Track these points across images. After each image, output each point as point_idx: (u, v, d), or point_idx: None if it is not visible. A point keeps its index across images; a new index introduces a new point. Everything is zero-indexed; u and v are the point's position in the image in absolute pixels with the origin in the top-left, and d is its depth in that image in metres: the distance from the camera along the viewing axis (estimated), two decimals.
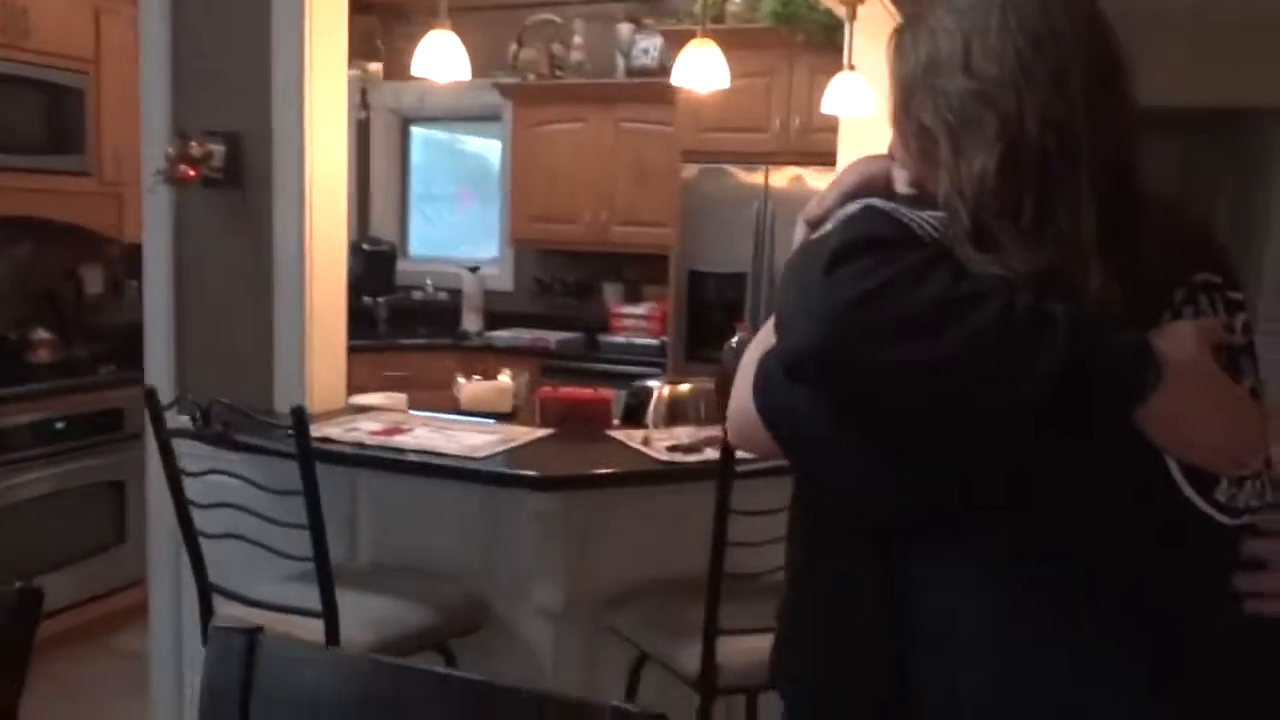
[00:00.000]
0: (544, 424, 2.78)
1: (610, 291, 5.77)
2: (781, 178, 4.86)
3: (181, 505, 2.23)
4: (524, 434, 2.59)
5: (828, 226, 1.13)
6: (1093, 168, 1.07)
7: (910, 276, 1.00)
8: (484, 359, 5.34)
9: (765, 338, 1.22)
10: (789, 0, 4.67)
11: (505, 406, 3.14)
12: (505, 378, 3.23)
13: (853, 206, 1.15)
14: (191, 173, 2.62)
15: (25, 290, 4.38)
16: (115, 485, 4.11)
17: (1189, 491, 1.09)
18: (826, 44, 4.63)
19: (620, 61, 5.56)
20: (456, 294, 5.87)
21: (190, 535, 2.24)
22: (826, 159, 4.73)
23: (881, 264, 1.02)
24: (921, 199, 1.16)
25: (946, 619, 1.15)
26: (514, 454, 2.40)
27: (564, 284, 5.83)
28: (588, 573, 2.44)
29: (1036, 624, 1.10)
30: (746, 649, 2.15)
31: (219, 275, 2.80)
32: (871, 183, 1.23)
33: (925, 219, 1.09)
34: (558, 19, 5.66)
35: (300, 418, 2.01)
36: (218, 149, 2.68)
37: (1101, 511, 1.08)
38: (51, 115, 4.01)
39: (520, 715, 1.08)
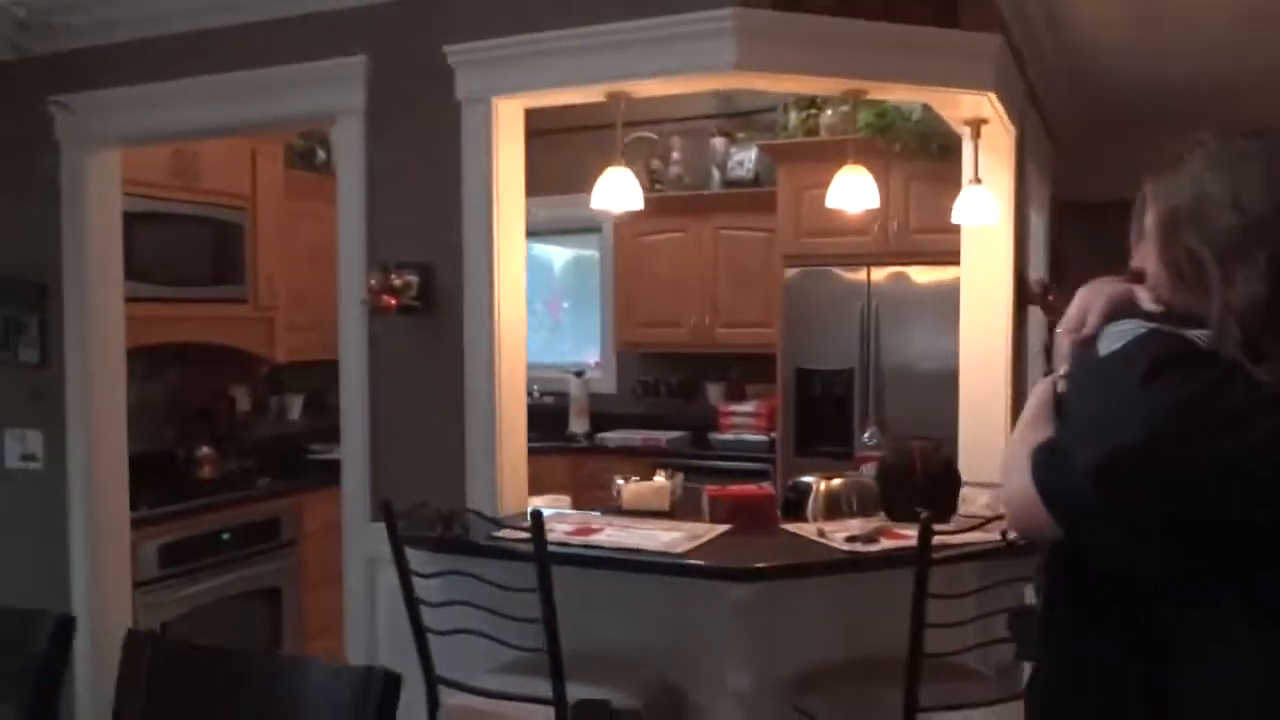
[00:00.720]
0: (714, 520, 2.98)
1: (713, 391, 6.00)
2: (882, 274, 5.10)
3: (413, 604, 2.45)
4: (705, 530, 2.79)
5: (1109, 343, 1.31)
6: None
7: (1220, 383, 1.20)
8: (596, 460, 5.57)
9: (1025, 436, 1.41)
10: (884, 112, 4.97)
11: (664, 505, 3.34)
12: (661, 478, 3.44)
13: (1128, 324, 1.32)
14: (393, 301, 2.89)
15: (179, 408, 4.69)
16: (272, 592, 4.34)
17: None
18: (920, 151, 4.92)
19: (715, 174, 5.87)
20: (562, 397, 6.11)
21: (420, 631, 2.46)
22: (924, 259, 5.00)
23: (1190, 374, 1.21)
24: (1170, 316, 1.35)
25: (1230, 675, 1.28)
26: (705, 548, 2.60)
27: (668, 385, 6.07)
28: (776, 658, 2.62)
29: None
30: None
31: (411, 392, 3.06)
32: (1120, 302, 1.43)
33: (1199, 335, 1.29)
34: (654, 136, 6.01)
35: (538, 520, 2.23)
36: (413, 279, 2.96)
37: None
38: (216, 249, 4.35)
39: None
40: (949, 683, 2.42)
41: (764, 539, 2.78)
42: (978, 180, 3.20)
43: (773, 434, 5.48)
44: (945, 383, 4.90)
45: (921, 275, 5.06)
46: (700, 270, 5.78)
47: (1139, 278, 1.44)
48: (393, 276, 2.93)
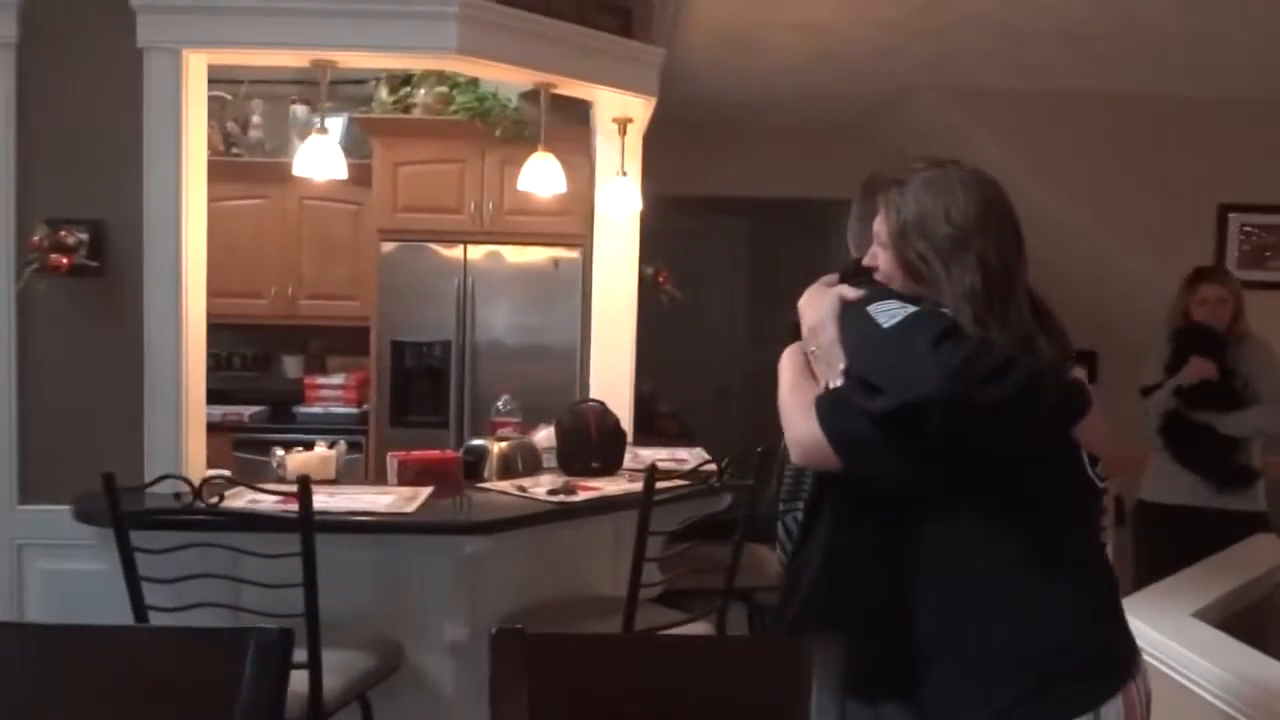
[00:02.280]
0: (402, 483, 3.09)
1: (290, 364, 5.88)
2: (478, 253, 5.37)
3: (136, 585, 2.31)
4: (413, 492, 2.90)
5: (886, 318, 1.71)
6: (1023, 282, 1.79)
7: (984, 346, 1.65)
8: None
9: (796, 393, 1.78)
10: (484, 97, 5.23)
11: (330, 473, 3.37)
12: (323, 448, 3.45)
13: (891, 304, 1.71)
14: (65, 261, 2.65)
15: None
16: None
17: (1089, 469, 1.84)
18: (517, 138, 5.25)
19: (296, 142, 5.75)
20: None
21: (143, 613, 2.33)
22: (516, 239, 5.36)
23: (963, 340, 1.65)
24: (901, 297, 1.75)
25: (959, 560, 1.76)
26: (426, 508, 2.74)
27: (243, 358, 5.85)
28: (493, 607, 2.81)
29: (1029, 555, 1.76)
30: None
31: (76, 361, 2.81)
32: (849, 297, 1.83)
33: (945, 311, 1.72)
34: (228, 96, 5.73)
35: (306, 487, 2.24)
36: (84, 237, 2.72)
37: (1060, 481, 1.79)
38: None
39: None
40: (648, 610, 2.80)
41: (475, 497, 2.97)
42: (624, 173, 3.60)
43: (364, 406, 5.53)
44: (536, 354, 5.33)
45: (514, 255, 5.40)
46: (283, 240, 5.64)
47: (861, 269, 1.86)
48: (63, 234, 2.67)
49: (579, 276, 5.41)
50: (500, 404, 3.91)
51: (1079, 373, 1.81)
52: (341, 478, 3.36)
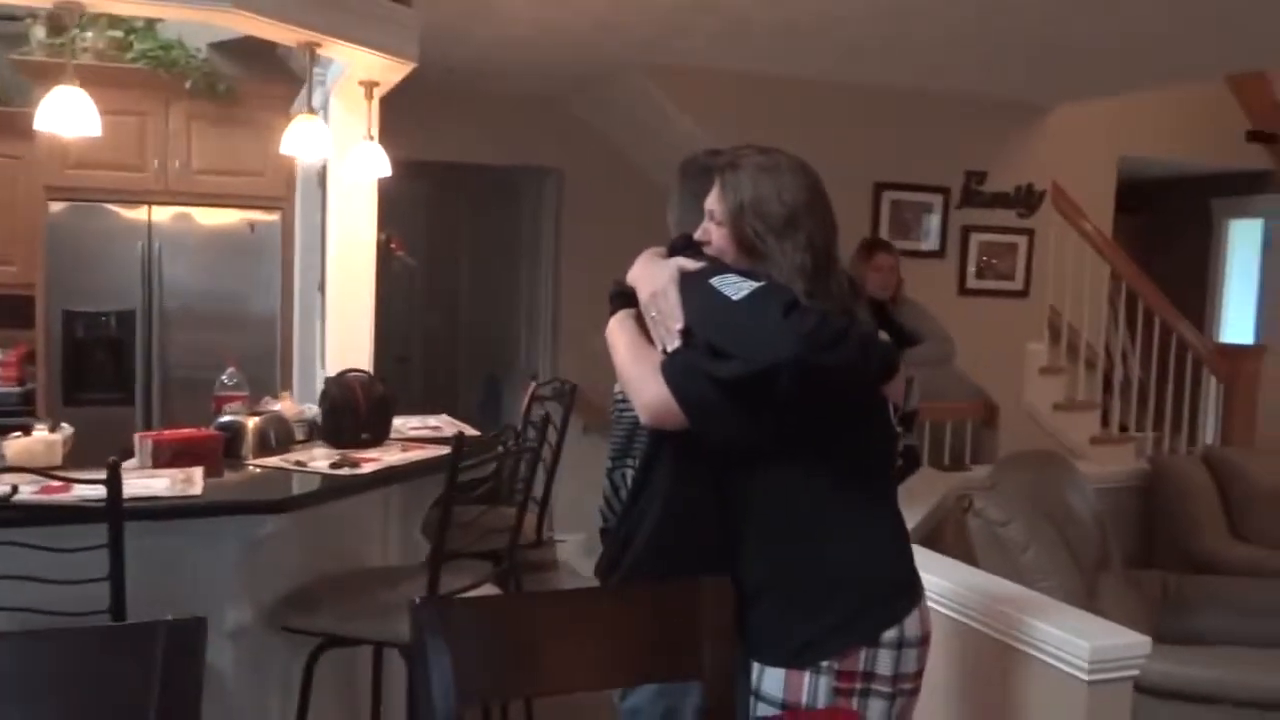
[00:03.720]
0: (157, 465, 2.88)
1: None
2: (165, 215, 4.98)
3: None
4: (183, 474, 2.71)
5: (733, 291, 1.87)
6: (837, 260, 2.04)
7: (825, 316, 1.86)
8: None
9: (639, 360, 1.91)
10: (169, 45, 4.84)
11: (56, 459, 3.06)
12: (42, 431, 3.12)
13: (732, 276, 1.86)
14: None
15: None
16: None
17: (892, 418, 2.14)
18: (207, 91, 4.92)
19: None
20: None
21: None
22: (208, 200, 5.03)
23: (807, 311, 1.84)
24: (739, 271, 1.94)
25: (789, 504, 1.96)
26: (217, 488, 2.60)
27: None
28: (280, 586, 2.72)
29: (848, 496, 2.00)
30: None
31: None
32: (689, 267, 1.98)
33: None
34: None
35: (115, 473, 2.07)
36: None
37: (873, 430, 2.05)
38: None
39: None
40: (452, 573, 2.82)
41: (256, 474, 2.83)
42: (371, 136, 3.52)
43: (29, 384, 4.97)
44: (233, 323, 5.06)
45: (205, 217, 5.06)
46: None
47: (691, 243, 2.01)
48: None
49: (278, 241, 5.18)
50: (225, 377, 3.70)
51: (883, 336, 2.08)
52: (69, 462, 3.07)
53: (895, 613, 1.92)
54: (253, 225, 5.10)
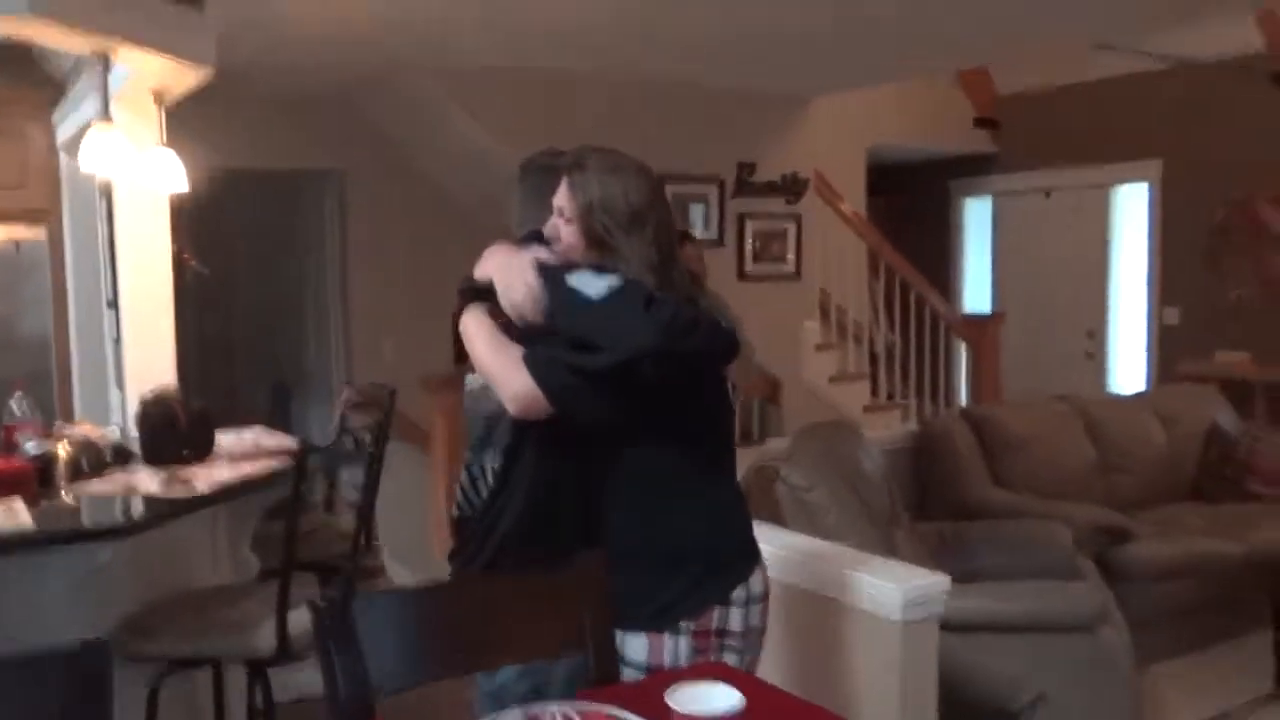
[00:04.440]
0: None
1: None
2: None
3: None
4: (4, 504, 2.60)
5: (594, 288, 2.01)
6: (677, 252, 2.22)
7: (679, 306, 2.03)
8: None
9: (500, 355, 2.01)
10: None
11: None
12: None
13: (587, 274, 2.03)
14: None
15: None
16: None
17: (730, 396, 2.34)
18: None
19: None
20: None
21: None
22: None
23: (664, 302, 2.01)
24: (588, 267, 2.09)
25: (646, 479, 2.11)
26: (46, 517, 2.51)
27: None
28: (113, 610, 2.65)
29: (699, 468, 2.18)
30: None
31: None
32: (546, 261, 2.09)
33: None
34: None
35: None
36: None
37: (718, 408, 2.25)
38: None
39: None
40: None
41: (83, 501, 2.74)
42: (165, 144, 3.41)
43: None
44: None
45: None
46: None
47: (540, 238, 2.15)
48: None
49: (45, 257, 4.89)
50: (14, 404, 3.52)
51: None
52: None
53: (741, 572, 2.12)
54: (18, 244, 4.79)
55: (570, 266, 2.03)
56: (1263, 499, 5.00)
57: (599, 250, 2.05)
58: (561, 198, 2.07)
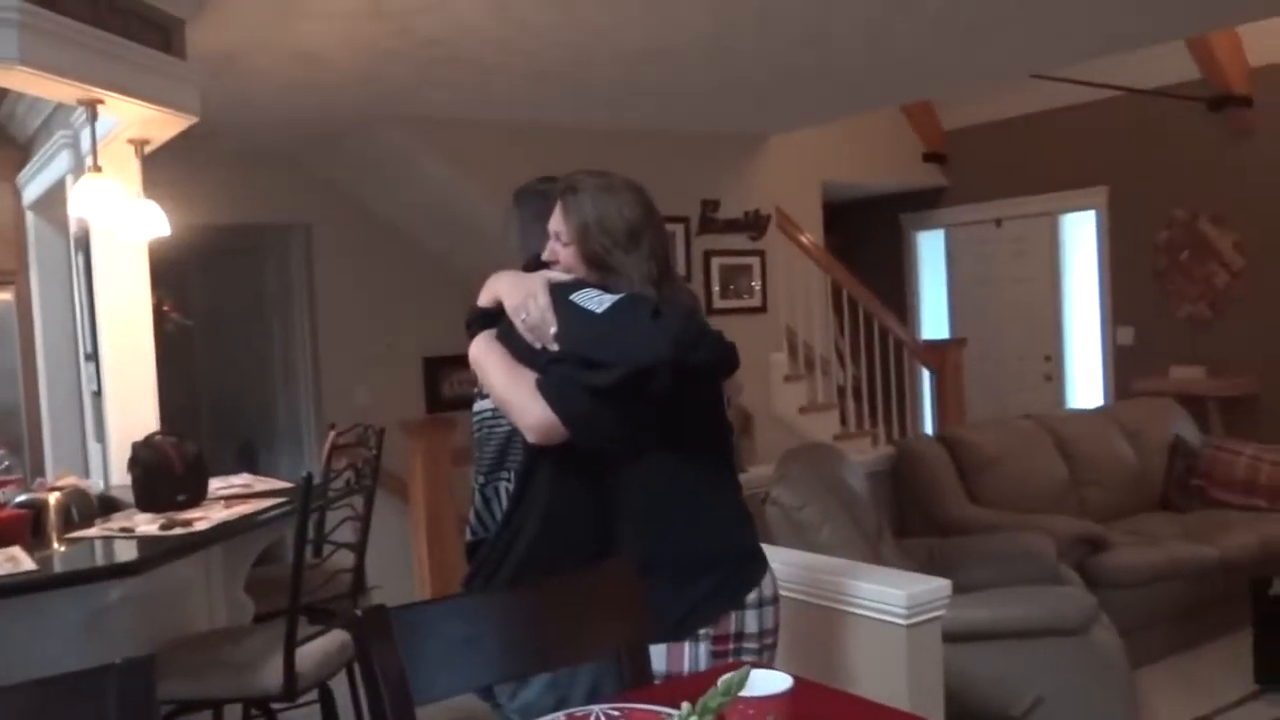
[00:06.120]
0: None
1: None
2: None
3: None
4: (2, 555, 2.57)
5: (596, 304, 2.04)
6: (674, 265, 2.28)
7: (687, 318, 2.07)
8: None
9: (515, 381, 2.02)
10: None
11: None
12: None
13: (591, 291, 2.03)
14: None
15: None
16: None
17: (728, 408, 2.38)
18: None
19: None
20: None
21: None
22: None
23: (671, 314, 2.05)
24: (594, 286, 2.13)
25: (659, 492, 2.15)
26: (50, 560, 2.48)
27: None
28: (120, 655, 2.61)
29: (706, 480, 2.20)
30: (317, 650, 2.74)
31: None
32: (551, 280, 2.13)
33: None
34: None
35: None
36: None
37: (718, 419, 2.28)
38: None
39: None
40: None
41: (85, 544, 2.71)
42: (98, 168, 3.35)
43: None
44: None
45: None
46: None
47: (540, 264, 2.18)
48: None
49: (13, 319, 4.85)
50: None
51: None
52: None
53: (753, 576, 2.14)
54: None
55: (579, 284, 2.06)
56: (1228, 506, 5.14)
57: (598, 271, 2.08)
58: (556, 222, 2.11)
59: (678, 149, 5.96)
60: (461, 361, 2.24)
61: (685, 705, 1.17)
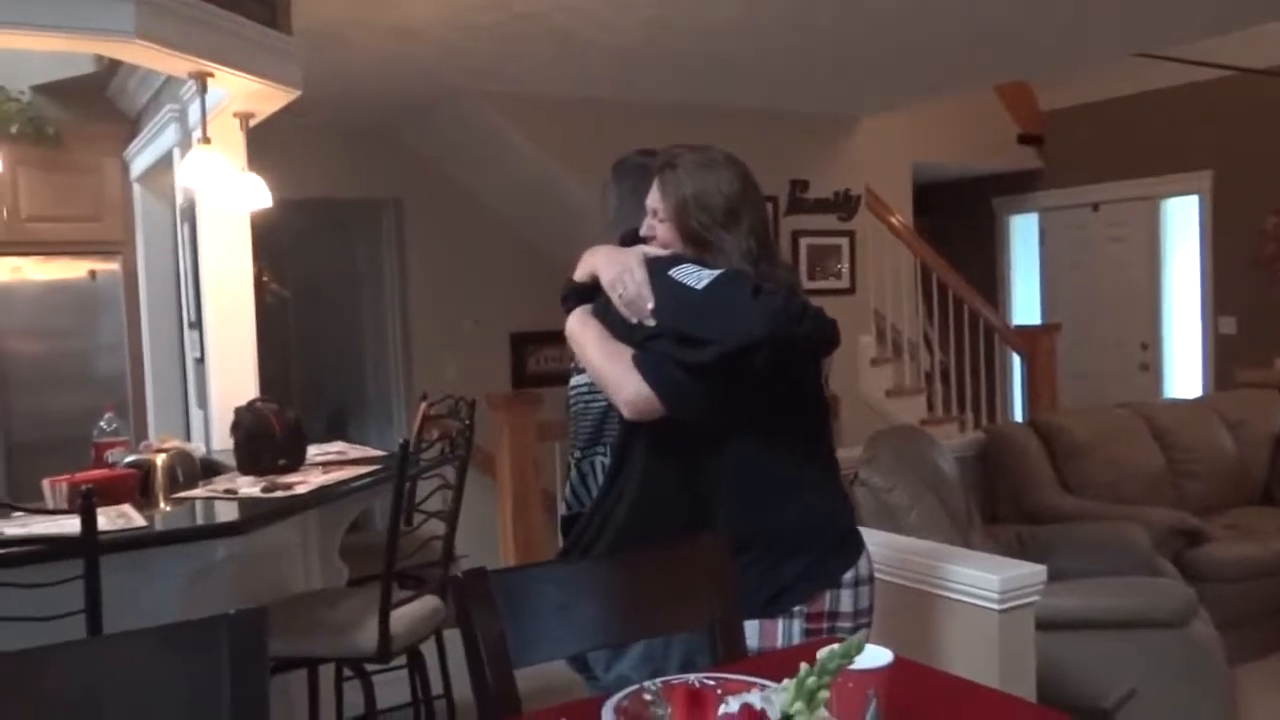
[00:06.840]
0: (72, 508, 2.80)
1: None
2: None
3: None
4: (116, 511, 2.65)
5: (696, 280, 2.03)
6: (774, 242, 2.25)
7: (788, 294, 2.05)
8: None
9: (612, 357, 2.02)
10: None
11: None
12: None
13: (690, 266, 2.02)
14: None
15: None
16: None
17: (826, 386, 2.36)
18: (36, 135, 4.72)
19: None
20: None
21: None
22: (42, 249, 4.81)
23: (773, 291, 2.03)
24: (692, 261, 2.12)
25: (757, 468, 2.15)
26: (167, 517, 2.57)
27: None
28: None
29: (804, 457, 2.20)
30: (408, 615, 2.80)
31: None
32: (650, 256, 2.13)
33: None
34: None
35: (89, 503, 2.04)
36: None
37: (818, 396, 2.27)
38: None
39: None
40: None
41: (193, 504, 2.80)
42: (207, 140, 3.43)
43: None
44: (74, 382, 4.84)
45: (39, 269, 4.83)
46: None
47: (637, 239, 2.19)
48: None
49: (119, 289, 5.00)
50: (104, 424, 3.60)
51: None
52: None
53: (850, 555, 2.12)
54: (94, 273, 4.90)
55: (677, 260, 2.04)
56: None
57: (696, 247, 2.06)
58: (654, 198, 2.10)
59: (767, 128, 5.91)
60: (548, 338, 2.27)
61: (804, 666, 1.16)
